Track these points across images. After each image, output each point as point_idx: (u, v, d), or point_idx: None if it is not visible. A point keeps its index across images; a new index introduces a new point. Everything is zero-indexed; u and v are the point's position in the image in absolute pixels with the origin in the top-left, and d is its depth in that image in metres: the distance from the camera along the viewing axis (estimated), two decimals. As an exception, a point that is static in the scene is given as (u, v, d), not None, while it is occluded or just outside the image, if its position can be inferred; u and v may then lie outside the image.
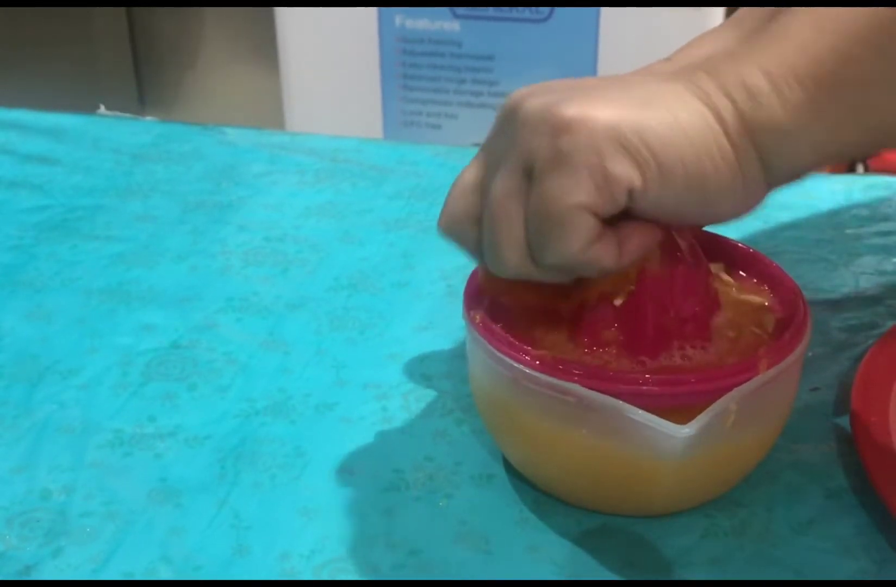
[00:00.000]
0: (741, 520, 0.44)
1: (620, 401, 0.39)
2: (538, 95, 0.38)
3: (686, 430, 0.38)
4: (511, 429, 0.44)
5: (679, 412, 0.38)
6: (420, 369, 0.54)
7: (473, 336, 0.43)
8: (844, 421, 0.49)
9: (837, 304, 0.58)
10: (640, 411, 0.38)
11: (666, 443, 0.38)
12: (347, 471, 0.47)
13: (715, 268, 0.47)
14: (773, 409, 0.43)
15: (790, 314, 0.43)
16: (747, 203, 0.38)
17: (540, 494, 0.46)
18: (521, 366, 0.40)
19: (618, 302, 0.42)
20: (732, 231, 0.59)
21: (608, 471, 0.42)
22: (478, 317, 0.43)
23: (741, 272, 0.47)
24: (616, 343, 0.42)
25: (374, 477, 0.47)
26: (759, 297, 0.46)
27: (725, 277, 0.47)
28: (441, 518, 0.45)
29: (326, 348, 0.56)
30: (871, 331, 0.56)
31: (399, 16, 1.39)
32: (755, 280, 0.47)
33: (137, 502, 0.45)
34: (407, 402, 0.51)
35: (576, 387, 0.39)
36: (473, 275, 0.45)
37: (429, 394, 0.52)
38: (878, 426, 0.46)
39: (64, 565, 0.42)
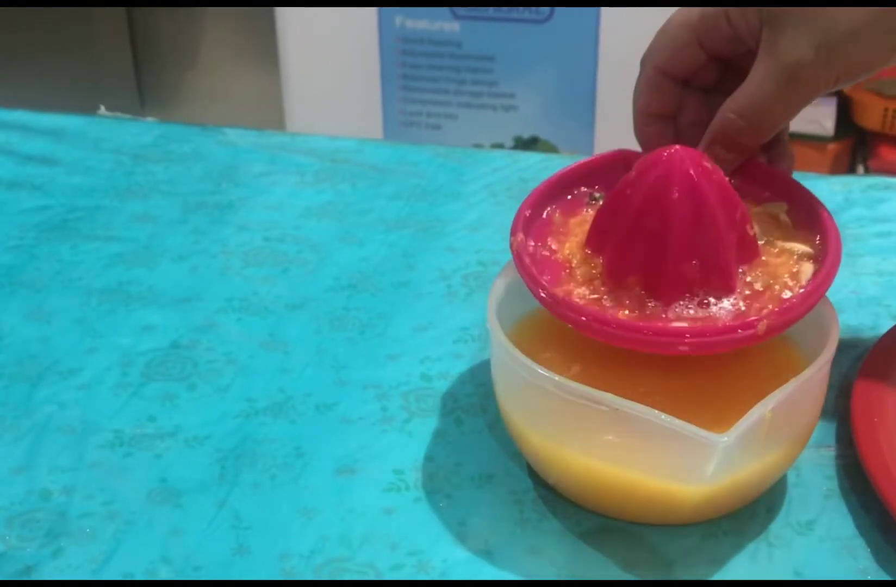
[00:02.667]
0: (741, 521, 0.44)
1: (656, 411, 0.38)
2: None
3: (725, 439, 0.37)
4: (535, 432, 0.44)
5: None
6: (420, 369, 0.54)
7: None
8: (844, 421, 0.49)
9: (837, 304, 0.58)
10: (677, 421, 0.38)
11: (701, 454, 0.38)
12: (347, 471, 0.47)
13: (776, 208, 0.46)
14: (803, 417, 0.43)
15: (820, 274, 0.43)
16: None
17: (540, 495, 0.46)
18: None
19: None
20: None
21: (634, 484, 0.41)
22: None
23: (805, 215, 0.46)
24: (638, 285, 0.43)
25: (374, 477, 0.47)
26: (805, 246, 0.45)
27: (784, 219, 0.46)
28: (441, 518, 0.45)
29: (326, 348, 0.56)
30: (871, 331, 0.56)
31: (399, 16, 1.39)
32: (813, 228, 0.45)
33: (137, 502, 0.45)
34: (407, 402, 0.51)
35: (609, 397, 0.39)
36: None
37: (429, 394, 0.52)
38: (879, 426, 0.46)
39: (64, 565, 0.42)
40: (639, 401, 0.39)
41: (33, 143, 0.78)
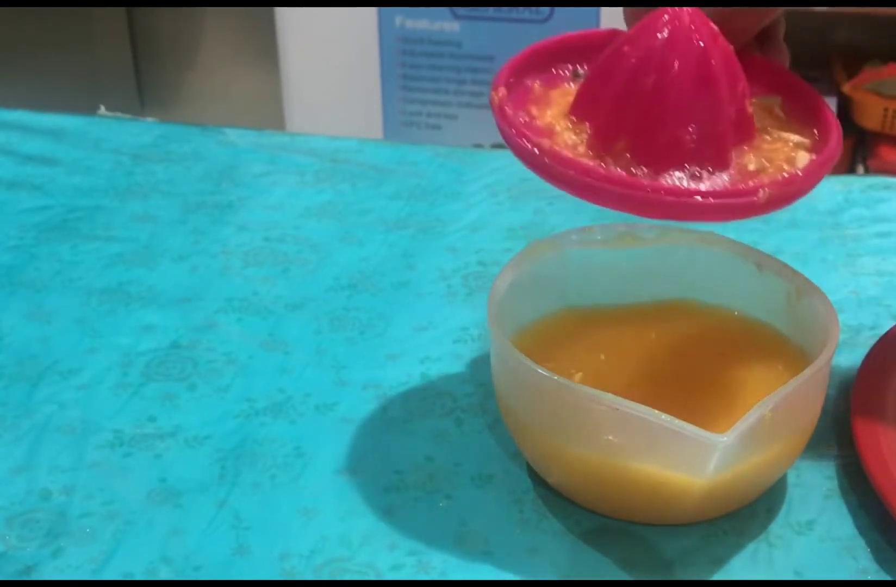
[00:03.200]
0: (741, 521, 0.44)
1: (656, 411, 0.38)
2: None
3: (724, 439, 0.37)
4: (535, 432, 0.44)
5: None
6: (420, 369, 0.54)
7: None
8: (844, 421, 0.49)
9: (837, 304, 0.58)
10: (677, 420, 0.38)
11: (701, 454, 0.38)
12: (347, 471, 0.47)
13: (770, 101, 0.44)
14: (803, 417, 0.43)
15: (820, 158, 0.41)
16: None
17: (540, 495, 0.46)
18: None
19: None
20: (732, 231, 0.59)
21: (636, 483, 0.41)
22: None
23: (801, 110, 0.43)
24: (627, 150, 0.40)
25: (374, 477, 0.47)
26: (800, 137, 0.42)
27: (778, 112, 0.44)
28: (441, 518, 0.45)
29: (326, 348, 0.56)
30: (871, 331, 0.56)
31: (399, 16, 1.39)
32: (809, 122, 0.43)
33: (137, 502, 0.45)
34: (407, 402, 0.51)
35: (609, 397, 0.39)
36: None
37: (429, 394, 0.52)
38: (878, 426, 0.46)
39: (64, 565, 0.42)
40: (637, 400, 0.39)
41: (33, 143, 0.78)
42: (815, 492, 0.46)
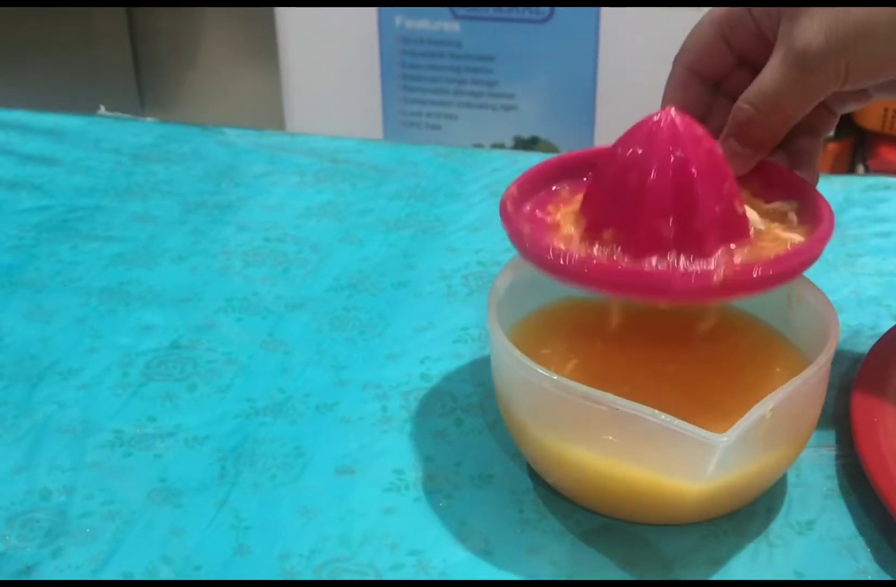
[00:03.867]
0: (741, 521, 0.44)
1: (656, 411, 0.38)
2: None
3: (725, 439, 0.37)
4: (535, 432, 0.44)
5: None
6: (420, 369, 0.54)
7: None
8: (844, 421, 0.49)
9: (837, 304, 0.58)
10: (677, 420, 0.38)
11: (701, 454, 0.38)
12: (347, 471, 0.47)
13: (787, 205, 0.45)
14: (803, 417, 0.43)
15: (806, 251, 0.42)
16: None
17: (540, 495, 0.46)
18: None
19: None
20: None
21: (636, 483, 0.41)
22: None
23: (811, 215, 0.45)
24: (614, 240, 0.42)
25: (374, 477, 0.47)
26: (801, 237, 0.44)
27: (791, 216, 0.45)
28: (441, 518, 0.45)
29: (326, 348, 0.56)
30: (871, 331, 0.56)
31: (399, 16, 1.39)
32: (814, 222, 0.44)
33: (137, 502, 0.45)
34: (407, 402, 0.51)
35: (609, 397, 0.39)
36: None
37: (429, 394, 0.52)
38: (878, 426, 0.46)
39: (64, 565, 0.42)
40: (637, 400, 0.39)
41: (33, 143, 0.78)
42: (815, 492, 0.46)
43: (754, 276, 0.40)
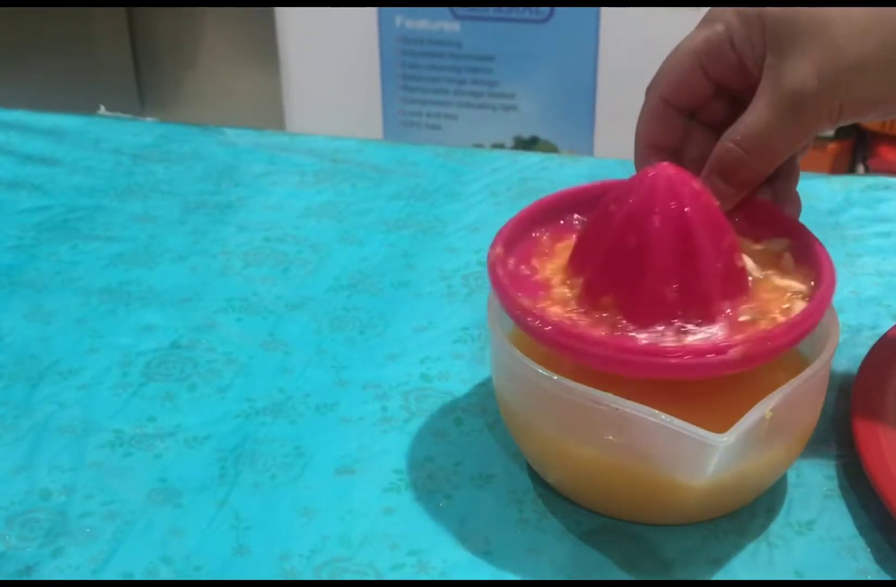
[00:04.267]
0: (741, 521, 0.44)
1: (656, 411, 0.38)
2: None
3: (725, 439, 0.37)
4: (536, 432, 0.44)
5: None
6: (420, 369, 0.54)
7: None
8: (844, 421, 0.49)
9: (837, 304, 0.58)
10: (677, 420, 0.38)
11: (701, 454, 0.38)
12: (347, 471, 0.47)
13: (778, 244, 0.45)
14: (803, 417, 0.43)
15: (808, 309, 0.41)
16: None
17: (540, 495, 0.46)
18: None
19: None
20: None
21: (636, 483, 0.41)
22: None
23: (805, 254, 0.44)
24: (614, 306, 0.41)
25: (374, 477, 0.47)
26: (801, 285, 0.43)
27: (787, 257, 0.44)
28: (441, 518, 0.45)
29: (326, 348, 0.56)
30: (871, 331, 0.56)
31: (399, 16, 1.39)
32: (810, 265, 0.44)
33: (137, 502, 0.45)
34: (407, 402, 0.51)
35: (609, 397, 0.39)
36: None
37: (429, 394, 0.52)
38: (878, 426, 0.46)
39: (64, 565, 0.42)
40: (637, 400, 0.39)
41: (33, 143, 0.78)
42: (815, 492, 0.46)
43: (768, 346, 0.39)
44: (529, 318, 0.41)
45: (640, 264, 0.41)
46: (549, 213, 0.47)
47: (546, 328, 0.40)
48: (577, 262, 0.44)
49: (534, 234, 0.46)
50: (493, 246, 0.44)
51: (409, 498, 0.46)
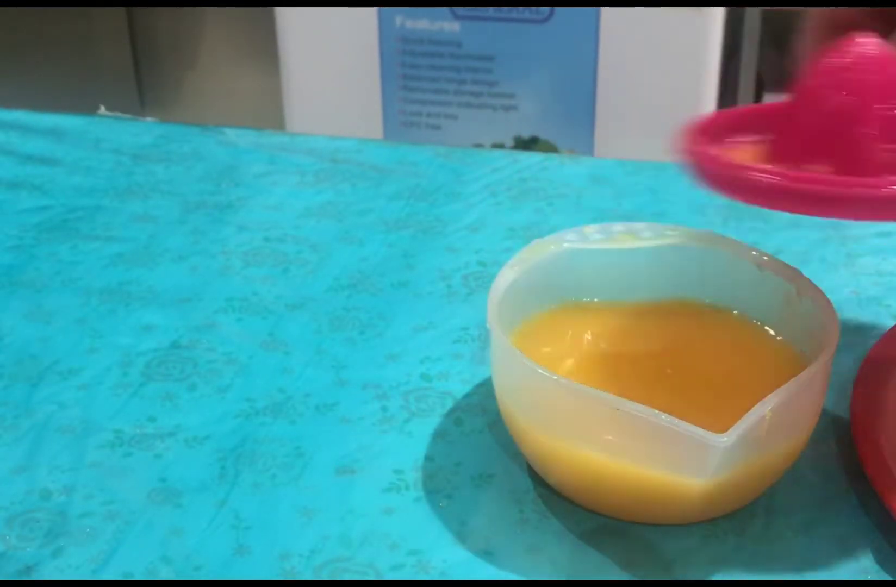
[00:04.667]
0: (741, 521, 0.44)
1: (656, 411, 0.38)
2: None
3: (724, 439, 0.37)
4: (536, 432, 0.44)
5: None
6: (420, 369, 0.54)
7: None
8: (844, 421, 0.49)
9: (837, 304, 0.58)
10: (677, 421, 0.38)
11: (701, 454, 0.38)
12: (347, 471, 0.47)
13: None
14: (803, 417, 0.43)
15: None
16: None
17: (540, 495, 0.46)
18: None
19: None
20: (733, 231, 0.59)
21: (636, 483, 0.41)
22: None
23: None
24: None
25: (374, 477, 0.47)
26: None
27: None
28: (441, 518, 0.45)
29: (326, 348, 0.56)
30: (871, 331, 0.56)
31: (399, 16, 1.39)
32: None
33: (137, 502, 0.45)
34: (407, 402, 0.51)
35: (609, 397, 0.39)
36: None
37: (429, 394, 0.52)
38: (878, 426, 0.46)
39: (64, 565, 0.42)
40: (637, 400, 0.39)
41: (33, 143, 0.78)
42: (815, 493, 0.46)
43: None
44: (754, 172, 0.38)
45: (854, 127, 0.39)
46: (720, 129, 0.44)
47: (776, 178, 0.38)
48: (778, 148, 0.41)
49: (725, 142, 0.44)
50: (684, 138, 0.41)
51: (409, 498, 0.46)
